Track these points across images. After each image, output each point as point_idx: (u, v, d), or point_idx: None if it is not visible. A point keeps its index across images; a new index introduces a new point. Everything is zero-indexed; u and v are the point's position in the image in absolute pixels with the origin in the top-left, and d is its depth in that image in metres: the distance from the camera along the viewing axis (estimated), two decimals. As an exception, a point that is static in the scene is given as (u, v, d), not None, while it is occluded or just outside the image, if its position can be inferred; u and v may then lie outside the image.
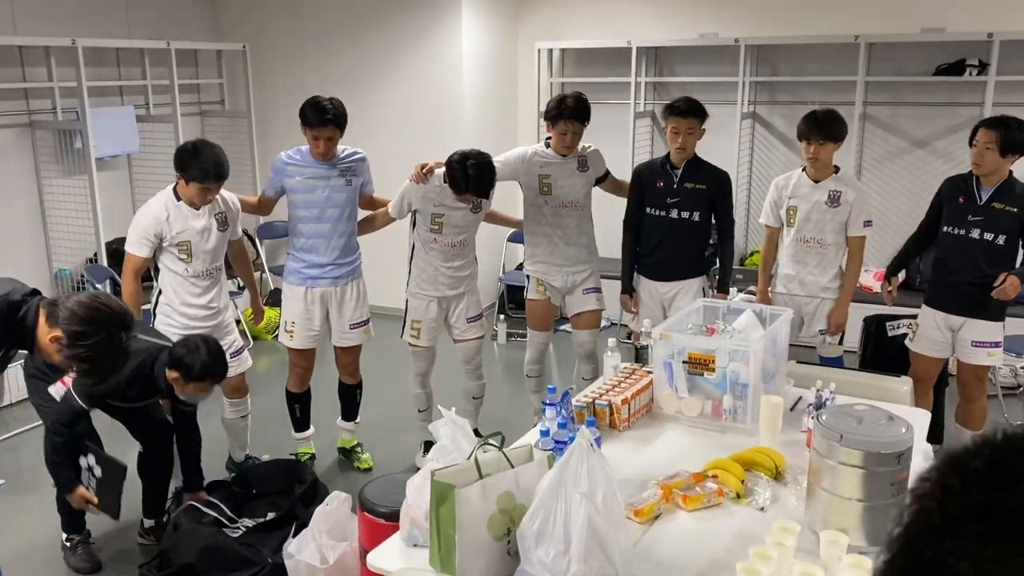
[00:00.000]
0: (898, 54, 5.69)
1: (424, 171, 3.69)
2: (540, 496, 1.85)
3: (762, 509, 2.24)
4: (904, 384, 3.09)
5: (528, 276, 4.09)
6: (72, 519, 3.28)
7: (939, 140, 5.74)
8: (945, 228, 3.70)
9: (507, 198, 4.06)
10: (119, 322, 2.39)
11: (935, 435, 3.93)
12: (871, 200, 3.89)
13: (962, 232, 3.62)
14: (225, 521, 3.32)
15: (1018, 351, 4.80)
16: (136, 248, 3.47)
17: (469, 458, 1.94)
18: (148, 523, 3.46)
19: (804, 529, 2.05)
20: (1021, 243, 3.64)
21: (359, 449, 4.18)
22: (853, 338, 4.27)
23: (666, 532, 2.14)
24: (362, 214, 3.99)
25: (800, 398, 2.96)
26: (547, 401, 2.49)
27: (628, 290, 4.04)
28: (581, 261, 4.01)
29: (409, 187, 3.74)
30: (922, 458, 2.53)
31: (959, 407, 3.89)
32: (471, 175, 3.53)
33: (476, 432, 4.19)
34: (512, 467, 1.95)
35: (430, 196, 3.72)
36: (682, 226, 3.87)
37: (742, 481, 2.33)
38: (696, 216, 3.88)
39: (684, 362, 2.78)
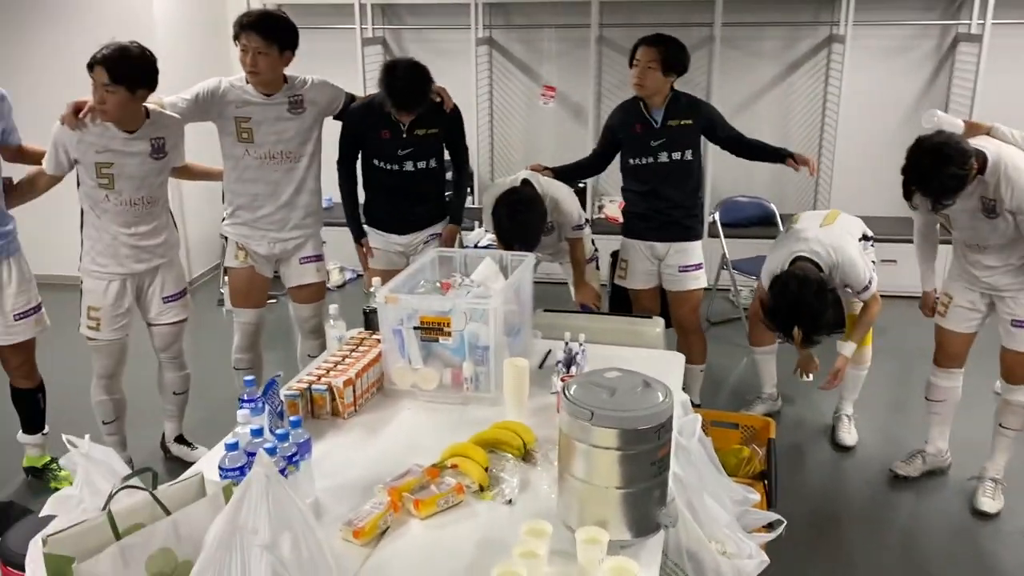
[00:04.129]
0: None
1: (80, 115, 2.88)
2: (207, 552, 1.34)
3: (510, 502, 1.87)
4: (656, 326, 2.87)
5: (226, 238, 3.42)
6: None
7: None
8: (631, 161, 3.52)
9: (211, 142, 3.32)
10: None
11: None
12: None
13: (650, 160, 3.47)
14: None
15: (756, 272, 4.86)
16: None
17: (104, 509, 1.39)
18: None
19: (557, 525, 1.70)
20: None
21: (54, 467, 3.38)
22: (603, 273, 4.07)
23: (394, 553, 1.71)
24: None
25: (549, 352, 2.63)
26: (243, 397, 1.96)
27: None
28: (294, 225, 3.35)
29: (61, 131, 2.91)
30: (681, 411, 2.29)
31: (678, 342, 3.77)
32: (398, 84, 3.09)
33: (180, 440, 3.57)
34: (168, 514, 1.42)
35: (89, 140, 2.91)
36: (417, 176, 3.41)
37: (486, 469, 1.95)
38: (433, 163, 3.43)
39: (415, 328, 2.34)
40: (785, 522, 2.26)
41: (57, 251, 4.10)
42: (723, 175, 5.48)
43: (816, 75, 5.70)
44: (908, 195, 2.96)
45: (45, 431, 3.37)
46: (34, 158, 3.07)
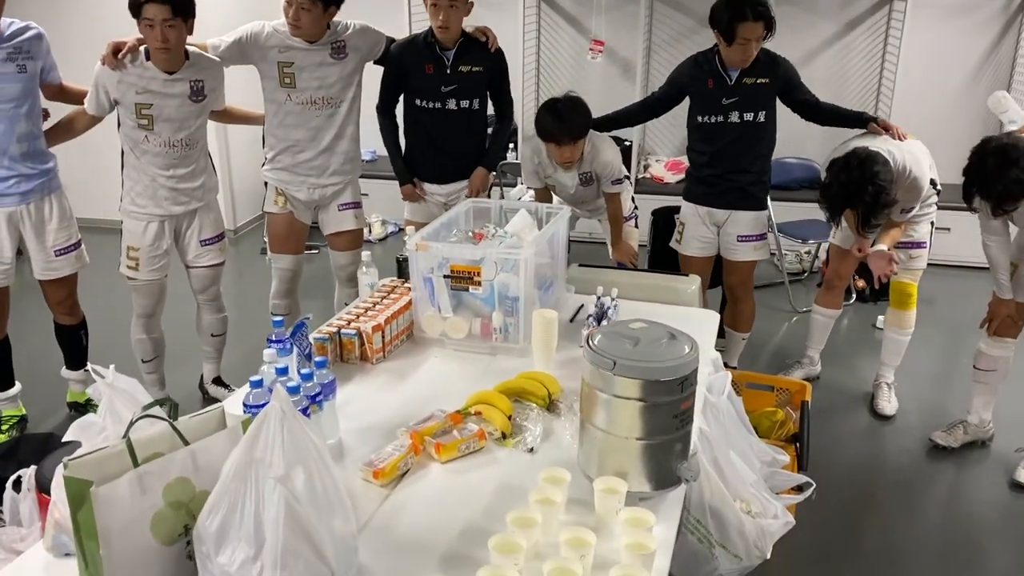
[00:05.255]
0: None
1: (120, 55, 2.90)
2: (222, 482, 1.35)
3: (531, 450, 1.86)
4: (692, 283, 2.81)
5: (266, 184, 3.44)
6: None
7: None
8: (700, 118, 3.36)
9: (252, 86, 3.32)
10: None
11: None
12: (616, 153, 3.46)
13: (720, 119, 3.31)
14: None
15: (803, 236, 4.76)
16: None
17: (124, 437, 1.40)
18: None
19: (577, 474, 1.69)
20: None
21: (94, 405, 3.46)
22: (643, 233, 4.01)
23: (413, 495, 1.71)
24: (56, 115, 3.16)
25: (581, 307, 2.61)
26: (272, 337, 1.97)
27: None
28: (333, 171, 3.34)
29: (101, 71, 2.95)
30: (711, 368, 2.26)
31: (727, 309, 3.67)
32: None
33: (218, 382, 3.62)
34: (186, 445, 1.43)
35: (129, 80, 2.94)
36: (459, 117, 3.38)
37: (509, 417, 1.94)
38: (476, 104, 3.40)
39: (446, 276, 2.33)
40: (814, 484, 2.22)
41: (99, 195, 4.17)
42: (773, 135, 5.32)
43: (875, 34, 5.50)
44: (968, 197, 2.84)
45: (87, 368, 3.45)
46: (75, 98, 3.11)
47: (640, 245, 3.79)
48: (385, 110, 3.45)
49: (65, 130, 3.14)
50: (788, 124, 3.48)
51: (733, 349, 3.71)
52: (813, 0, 5.49)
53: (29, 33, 2.95)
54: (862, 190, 2.95)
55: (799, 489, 2.27)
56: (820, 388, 3.72)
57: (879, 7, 5.43)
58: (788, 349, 4.19)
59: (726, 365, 3.55)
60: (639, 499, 1.64)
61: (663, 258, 3.77)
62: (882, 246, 3.20)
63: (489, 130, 3.61)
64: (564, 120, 3.22)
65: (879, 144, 3.14)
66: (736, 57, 3.19)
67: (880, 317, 4.41)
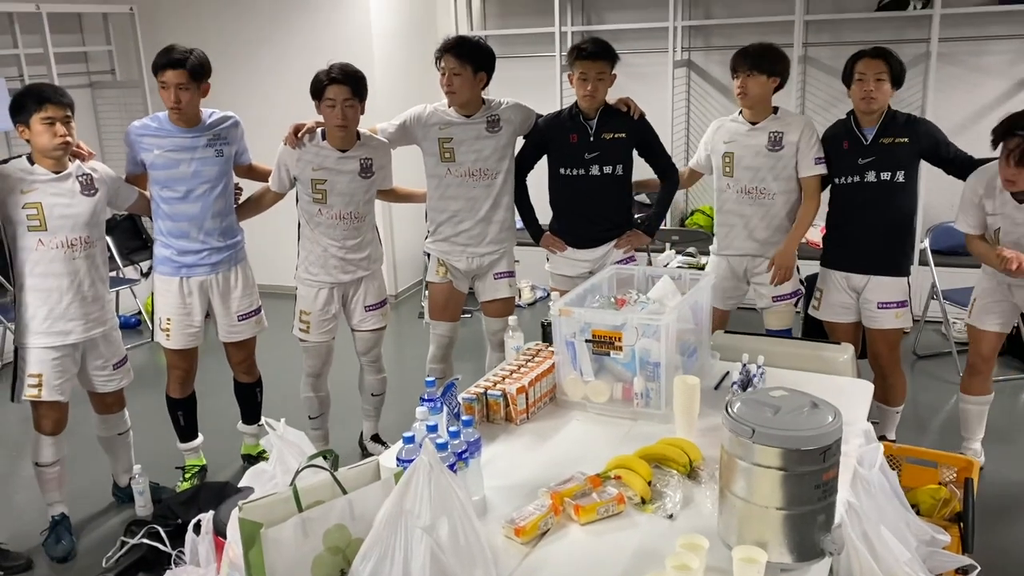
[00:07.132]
0: (838, -10, 5.33)
1: (300, 134, 3.23)
2: (375, 530, 1.47)
3: (671, 517, 1.87)
4: (844, 352, 2.74)
5: (428, 255, 3.64)
6: None
7: (884, 82, 5.39)
8: (837, 180, 3.33)
9: (415, 166, 3.57)
10: None
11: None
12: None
13: (855, 179, 3.26)
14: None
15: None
16: None
17: (291, 485, 1.55)
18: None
19: (716, 542, 1.68)
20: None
21: (266, 455, 3.73)
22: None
23: (552, 554, 1.76)
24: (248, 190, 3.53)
25: (727, 374, 2.59)
26: (424, 396, 2.10)
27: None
28: (491, 241, 3.51)
29: (284, 151, 3.27)
30: (862, 439, 2.19)
31: (875, 383, 3.50)
32: None
33: (376, 439, 3.82)
34: (345, 493, 1.56)
35: (307, 159, 3.25)
36: (603, 183, 3.48)
37: (649, 482, 1.96)
38: (619, 170, 3.49)
39: (587, 341, 2.40)
40: (979, 568, 2.09)
41: (277, 263, 4.55)
42: (937, 198, 5.10)
43: (1051, 92, 5.20)
44: None
45: (261, 423, 3.74)
46: (261, 176, 3.46)
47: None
48: (517, 172, 3.56)
49: (253, 206, 3.49)
50: (956, 187, 3.34)
51: (888, 422, 3.53)
52: (978, 60, 5.28)
53: (228, 122, 3.32)
54: None
55: (963, 572, 2.14)
56: (992, 467, 3.47)
57: (1055, 63, 5.15)
58: (955, 423, 3.92)
59: (883, 438, 3.40)
60: (780, 570, 1.62)
61: (817, 326, 3.66)
62: None
63: (638, 196, 3.68)
64: (753, 49, 3.31)
65: None
66: (856, 97, 3.20)
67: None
